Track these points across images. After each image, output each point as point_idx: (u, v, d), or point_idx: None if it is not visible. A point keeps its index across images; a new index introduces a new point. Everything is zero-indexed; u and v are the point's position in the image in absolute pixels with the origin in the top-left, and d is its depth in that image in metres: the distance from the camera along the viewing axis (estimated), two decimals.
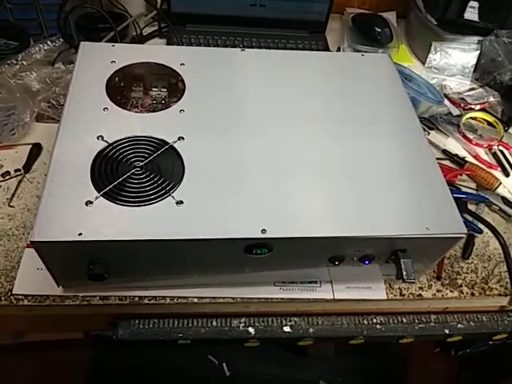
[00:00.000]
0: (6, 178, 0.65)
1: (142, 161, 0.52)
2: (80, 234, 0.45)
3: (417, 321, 0.65)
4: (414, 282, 0.53)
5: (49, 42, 0.76)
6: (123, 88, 0.64)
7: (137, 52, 0.65)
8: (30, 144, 0.69)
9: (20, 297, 0.54)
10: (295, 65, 0.67)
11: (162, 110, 0.59)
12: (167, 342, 0.60)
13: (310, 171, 0.54)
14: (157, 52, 0.66)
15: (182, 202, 0.49)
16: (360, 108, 0.62)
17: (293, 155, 0.55)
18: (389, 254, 0.54)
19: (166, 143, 0.54)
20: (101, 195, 0.48)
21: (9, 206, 0.62)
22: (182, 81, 0.62)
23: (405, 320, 0.64)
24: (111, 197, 0.48)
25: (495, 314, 0.67)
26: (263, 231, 0.48)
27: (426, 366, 1.31)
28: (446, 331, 0.65)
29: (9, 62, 0.71)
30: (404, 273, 0.52)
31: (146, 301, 0.56)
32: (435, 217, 0.52)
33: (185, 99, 0.60)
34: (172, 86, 0.65)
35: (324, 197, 0.52)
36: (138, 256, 0.49)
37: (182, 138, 0.55)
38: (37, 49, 0.74)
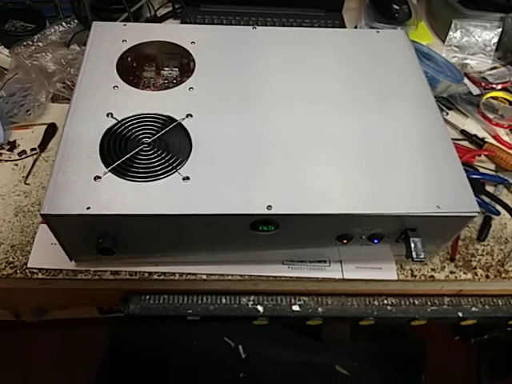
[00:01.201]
0: (23, 156, 0.67)
1: (149, 137, 0.52)
2: (88, 208, 0.46)
3: (429, 303, 0.63)
4: (423, 261, 0.52)
5: (64, 24, 0.77)
6: (135, 68, 0.64)
7: (148, 31, 0.65)
8: (45, 124, 0.70)
9: (34, 270, 0.56)
10: (307, 41, 0.66)
11: (172, 88, 0.59)
12: (178, 318, 0.60)
13: (319, 148, 0.53)
14: (167, 31, 0.66)
15: (188, 178, 0.49)
16: (373, 84, 0.61)
17: (302, 132, 0.54)
18: (399, 233, 0.53)
19: (174, 120, 0.54)
20: (109, 171, 0.49)
21: (25, 183, 0.64)
22: (193, 59, 0.62)
23: (417, 302, 0.63)
24: (119, 172, 0.49)
25: (511, 298, 0.65)
26: (269, 207, 0.48)
27: (445, 354, 1.29)
28: (460, 314, 0.63)
29: (25, 43, 0.72)
30: (413, 252, 0.51)
31: (155, 276, 0.57)
32: (447, 195, 0.50)
33: (194, 77, 0.60)
34: (184, 65, 0.65)
35: (332, 174, 0.51)
36: (145, 231, 0.50)
37: (191, 116, 0.55)
38: (52, 30, 0.75)
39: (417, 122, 0.57)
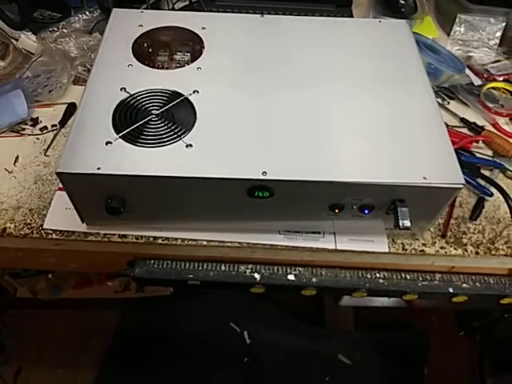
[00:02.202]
0: (44, 131, 0.72)
1: (158, 109, 0.57)
2: (99, 169, 0.51)
3: (421, 278, 0.66)
4: (409, 229, 0.54)
5: (87, 13, 0.83)
6: (150, 53, 0.69)
7: (163, 17, 0.70)
8: (66, 103, 0.76)
9: (49, 231, 0.61)
10: (311, 29, 0.70)
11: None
12: (180, 283, 0.64)
13: (315, 122, 0.57)
14: (181, 17, 0.71)
15: (191, 146, 0.53)
16: (371, 69, 0.64)
17: (301, 107, 0.58)
18: (388, 204, 0.56)
19: (181, 95, 0.59)
20: (119, 137, 0.54)
21: (44, 155, 0.69)
22: (202, 43, 0.67)
23: (408, 276, 0.66)
24: (128, 139, 0.54)
25: (503, 278, 0.67)
26: (264, 173, 0.51)
27: (449, 348, 1.30)
28: (450, 290, 0.65)
29: (50, 29, 0.78)
30: (400, 220, 0.54)
31: (159, 241, 0.61)
32: (434, 167, 0.53)
33: (202, 58, 0.64)
34: (196, 51, 0.69)
35: (325, 145, 0.55)
36: (150, 193, 0.54)
37: (197, 92, 0.59)
38: (76, 19, 0.81)
39: (410, 102, 0.60)
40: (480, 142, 0.75)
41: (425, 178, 0.52)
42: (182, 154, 0.53)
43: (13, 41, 0.80)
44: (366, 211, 0.57)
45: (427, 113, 0.59)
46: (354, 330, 1.30)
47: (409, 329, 1.28)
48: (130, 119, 0.56)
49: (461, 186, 0.52)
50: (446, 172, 0.53)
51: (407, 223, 0.54)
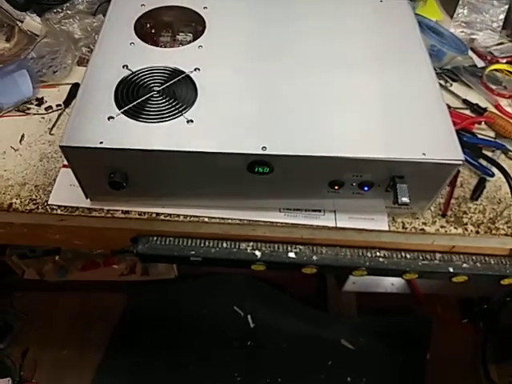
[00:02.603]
0: (49, 111, 0.73)
1: (159, 86, 0.58)
2: (101, 143, 0.51)
3: (421, 257, 0.66)
4: (407, 206, 0.54)
5: None
6: (153, 34, 0.70)
7: None
8: (70, 84, 0.76)
9: (54, 207, 0.62)
10: (313, 8, 0.70)
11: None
12: (182, 259, 0.65)
13: (315, 99, 0.57)
14: None
15: (192, 121, 0.54)
16: (371, 47, 0.64)
17: (301, 84, 0.59)
18: (387, 180, 0.56)
19: (183, 72, 0.59)
20: (121, 112, 0.54)
21: (49, 134, 0.70)
22: (204, 22, 0.67)
23: (408, 256, 0.66)
24: (130, 114, 0.54)
25: (504, 258, 0.67)
26: (264, 148, 0.52)
27: (452, 336, 1.30)
28: (451, 269, 0.66)
29: (55, 10, 0.79)
30: (399, 196, 0.54)
31: (162, 217, 0.62)
32: (433, 143, 0.54)
33: (204, 37, 0.65)
34: (198, 32, 0.70)
35: (326, 121, 0.55)
36: (152, 168, 0.55)
37: (198, 69, 0.60)
38: (80, 0, 0.82)
39: (411, 80, 0.60)
40: (482, 123, 0.75)
41: (424, 154, 0.53)
42: (182, 130, 0.53)
43: (18, 23, 0.81)
44: (366, 188, 0.57)
45: (428, 91, 0.59)
46: (356, 315, 1.31)
47: (411, 314, 1.29)
48: (132, 95, 0.56)
49: (460, 162, 0.53)
50: (445, 148, 0.53)
51: (406, 199, 0.54)
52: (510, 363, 1.22)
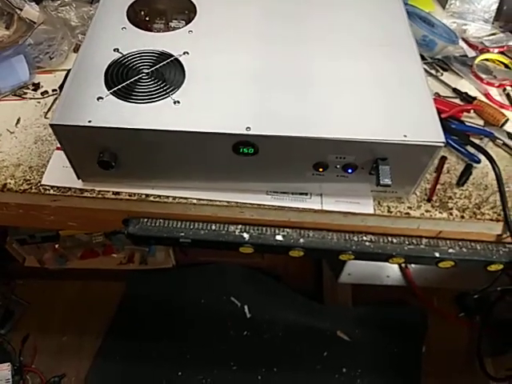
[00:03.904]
0: (45, 96, 0.75)
1: (148, 68, 0.59)
2: (90, 121, 0.53)
3: (407, 242, 0.67)
4: (389, 186, 0.55)
5: None
6: (148, 21, 0.71)
7: None
8: (66, 70, 0.78)
9: (47, 187, 0.64)
10: None
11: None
12: (172, 240, 0.66)
13: (298, 82, 0.58)
14: None
15: (178, 102, 0.55)
16: (359, 32, 0.65)
17: (287, 67, 0.60)
18: (371, 163, 0.57)
19: (172, 56, 0.61)
20: (110, 93, 0.56)
21: (45, 117, 0.72)
22: (194, 7, 0.68)
23: (395, 240, 0.67)
24: (119, 95, 0.56)
25: (490, 244, 0.68)
26: (247, 129, 0.53)
27: (449, 329, 1.31)
28: (437, 254, 0.67)
29: None
30: (381, 177, 0.55)
31: (151, 198, 0.64)
32: (415, 126, 0.55)
33: (194, 22, 0.66)
34: (191, 19, 0.71)
35: (309, 103, 0.56)
36: (139, 147, 0.56)
37: (187, 53, 0.61)
38: None
39: (396, 64, 0.61)
40: (472, 111, 0.76)
41: (405, 136, 0.53)
42: (169, 110, 0.55)
43: (17, 11, 0.83)
44: (350, 170, 0.58)
45: (412, 75, 0.60)
46: (352, 307, 1.31)
47: (406, 306, 1.29)
48: (122, 77, 0.58)
49: (441, 144, 0.53)
50: (426, 131, 0.54)
51: (387, 181, 0.55)
52: (506, 356, 1.22)
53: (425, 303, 1.32)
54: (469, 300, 1.30)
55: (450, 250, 0.67)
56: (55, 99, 0.74)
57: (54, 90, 0.76)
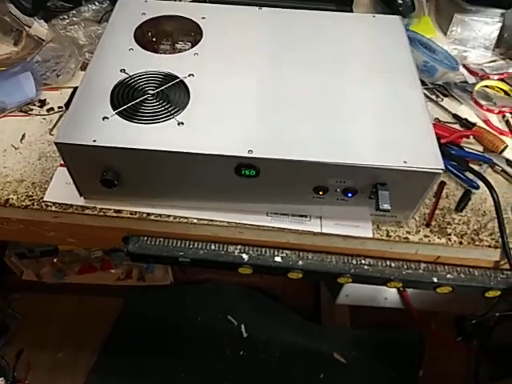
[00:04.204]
0: (50, 112, 0.76)
1: (154, 89, 0.60)
2: (94, 141, 0.54)
3: (405, 266, 0.67)
4: (388, 211, 0.55)
5: (97, 3, 0.86)
6: (154, 42, 0.73)
7: (165, 7, 0.73)
8: (72, 87, 0.79)
9: (49, 203, 0.64)
10: (307, 22, 0.72)
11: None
12: (171, 259, 0.67)
13: (302, 105, 0.60)
14: (183, 7, 0.74)
15: (182, 123, 0.56)
16: (360, 59, 0.66)
17: (289, 91, 0.61)
18: (370, 187, 0.58)
19: (177, 77, 0.62)
20: (116, 113, 0.57)
21: (50, 134, 0.73)
22: (201, 31, 0.70)
23: (393, 264, 0.67)
24: (124, 115, 0.57)
25: (488, 270, 0.68)
26: (250, 151, 0.54)
27: (446, 353, 1.30)
28: (435, 279, 0.67)
29: (61, 17, 0.82)
30: (380, 203, 0.55)
31: (152, 217, 0.64)
32: (415, 152, 0.55)
33: (200, 45, 0.67)
34: (197, 41, 0.72)
35: (310, 127, 0.57)
36: (142, 167, 0.57)
37: (192, 75, 0.62)
38: (86, 8, 0.85)
39: (396, 90, 0.62)
40: (471, 137, 0.77)
41: (405, 162, 0.54)
42: (173, 131, 0.55)
43: (26, 28, 0.85)
44: (350, 194, 0.59)
45: (412, 101, 0.61)
46: (350, 328, 1.31)
47: (405, 329, 1.28)
48: (127, 98, 0.59)
49: (440, 171, 0.54)
50: (426, 157, 0.55)
51: (387, 206, 0.55)
52: (504, 382, 1.21)
53: (422, 326, 1.31)
54: (467, 324, 1.29)
55: (448, 276, 0.67)
56: (60, 116, 0.75)
57: (59, 107, 0.77)
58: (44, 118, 0.75)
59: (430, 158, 0.55)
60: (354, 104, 0.60)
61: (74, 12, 0.84)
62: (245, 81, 0.62)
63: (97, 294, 1.32)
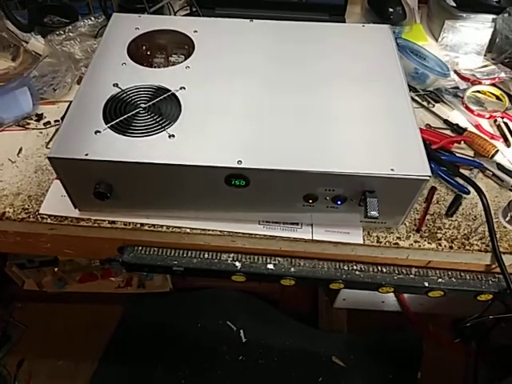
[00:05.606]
0: (47, 126, 0.78)
1: (146, 103, 0.61)
2: (86, 155, 0.55)
3: (396, 271, 0.68)
4: (376, 218, 0.56)
5: (92, 18, 0.88)
6: (149, 56, 0.74)
7: (158, 21, 0.75)
8: (69, 101, 0.80)
9: (44, 216, 0.66)
10: (297, 34, 0.74)
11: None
12: (165, 268, 0.68)
13: (290, 116, 0.61)
14: (175, 21, 0.76)
15: (173, 136, 0.57)
16: (348, 67, 0.68)
17: (276, 102, 0.62)
18: (359, 195, 0.59)
19: (169, 91, 0.63)
20: (108, 127, 0.58)
21: (46, 147, 0.74)
22: (193, 44, 0.71)
23: (384, 270, 0.68)
24: (116, 129, 0.58)
25: (480, 274, 0.69)
26: (239, 162, 0.55)
27: (444, 355, 1.30)
28: (426, 284, 0.68)
29: (57, 32, 0.84)
30: (368, 210, 0.56)
31: (146, 227, 0.65)
32: (402, 160, 0.56)
33: (192, 58, 0.69)
34: (190, 54, 0.73)
35: (297, 137, 0.58)
36: (134, 179, 0.58)
37: (184, 88, 0.64)
38: (82, 23, 0.87)
39: (383, 98, 0.63)
40: (462, 142, 0.77)
41: (392, 170, 0.55)
42: (164, 144, 0.57)
43: (23, 43, 0.87)
44: (339, 202, 0.60)
45: (400, 109, 0.62)
46: (347, 332, 1.31)
47: (402, 332, 1.29)
48: (120, 111, 0.60)
49: (427, 177, 0.55)
50: (413, 164, 0.56)
51: (375, 213, 0.56)
52: (503, 383, 1.21)
53: (420, 329, 1.31)
54: (464, 326, 1.29)
55: (440, 280, 0.68)
56: (57, 130, 0.77)
57: (56, 121, 0.78)
58: (41, 132, 0.77)
59: (417, 165, 0.56)
60: (342, 113, 0.61)
61: (70, 27, 0.85)
62: (234, 93, 0.63)
63: (97, 302, 1.34)
